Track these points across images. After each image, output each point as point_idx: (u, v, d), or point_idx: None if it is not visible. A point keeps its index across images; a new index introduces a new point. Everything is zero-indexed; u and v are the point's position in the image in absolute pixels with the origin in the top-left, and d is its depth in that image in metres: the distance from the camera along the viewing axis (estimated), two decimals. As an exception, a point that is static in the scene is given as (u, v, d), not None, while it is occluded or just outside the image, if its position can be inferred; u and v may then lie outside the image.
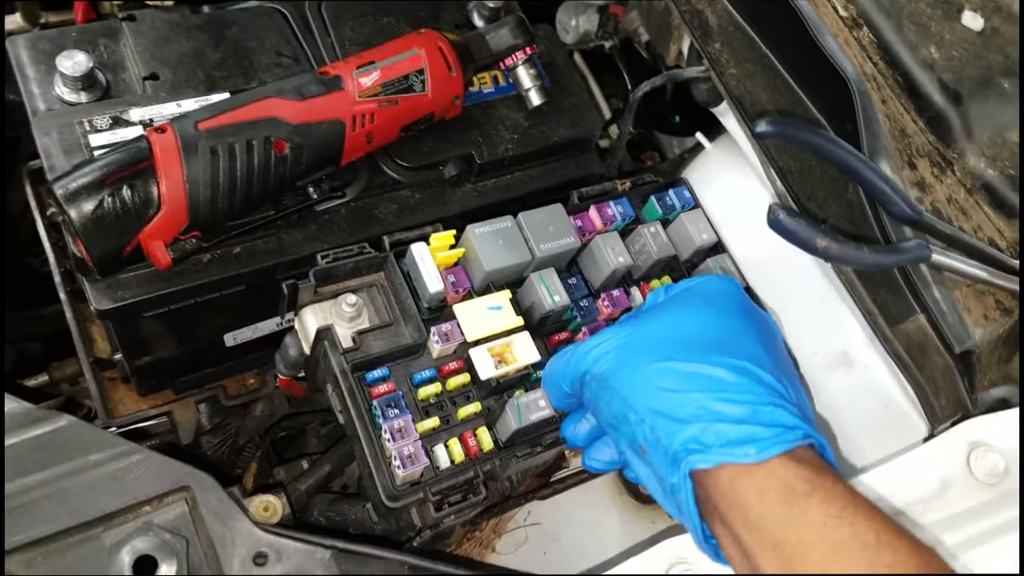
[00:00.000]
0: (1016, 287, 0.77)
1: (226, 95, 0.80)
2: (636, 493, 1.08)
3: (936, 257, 0.75)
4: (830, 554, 0.50)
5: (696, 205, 0.94)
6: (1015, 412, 0.76)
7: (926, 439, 0.82)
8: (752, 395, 0.57)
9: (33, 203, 0.91)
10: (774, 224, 0.65)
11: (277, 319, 0.91)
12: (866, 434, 0.90)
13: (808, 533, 0.51)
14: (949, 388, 0.79)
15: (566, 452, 0.97)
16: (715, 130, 1.08)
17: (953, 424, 0.79)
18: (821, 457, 0.58)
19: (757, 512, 0.53)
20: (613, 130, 1.28)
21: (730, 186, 0.98)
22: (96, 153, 0.74)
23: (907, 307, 0.79)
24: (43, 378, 1.03)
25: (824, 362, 0.91)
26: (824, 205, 0.84)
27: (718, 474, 0.55)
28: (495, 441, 0.74)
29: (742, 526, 0.54)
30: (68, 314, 0.89)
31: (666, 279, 0.89)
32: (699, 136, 1.10)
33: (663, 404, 0.58)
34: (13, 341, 1.12)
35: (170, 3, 0.87)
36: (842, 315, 0.86)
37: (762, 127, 0.69)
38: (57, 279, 0.88)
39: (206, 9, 0.88)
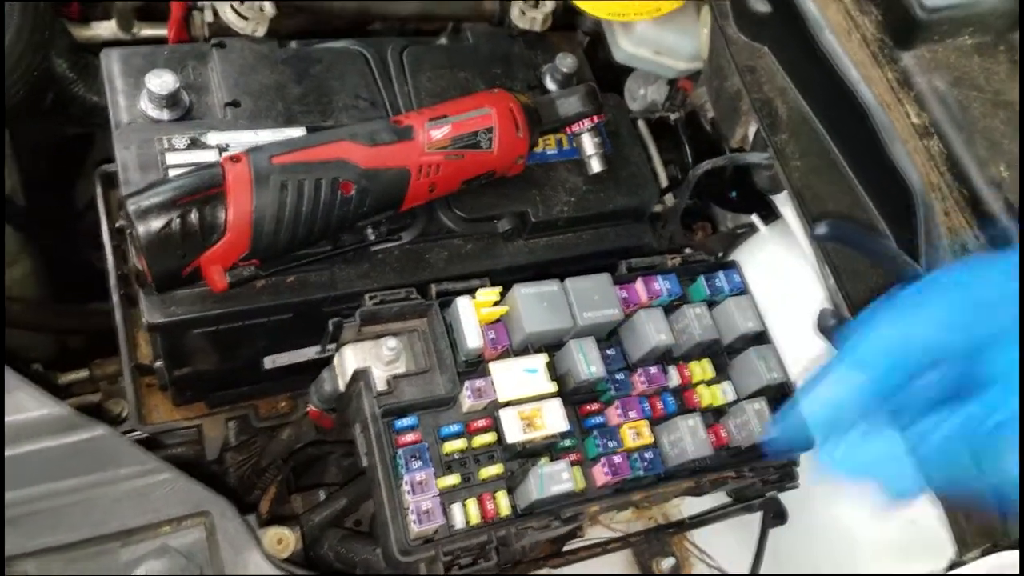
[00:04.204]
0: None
1: (302, 130, 0.83)
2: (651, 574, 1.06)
3: (984, 380, 0.73)
4: None
5: (745, 290, 0.93)
6: (1052, 551, 0.73)
7: (952, 565, 0.79)
8: None
9: (101, 205, 0.94)
10: (824, 330, 0.65)
11: (316, 347, 0.92)
12: (889, 548, 0.88)
13: None
14: (982, 515, 0.77)
15: (583, 524, 0.96)
16: (770, 212, 1.08)
17: (983, 554, 0.77)
18: None
19: None
20: (668, 197, 1.28)
21: (781, 275, 0.97)
22: (171, 171, 0.77)
23: (948, 424, 0.78)
24: (83, 373, 1.06)
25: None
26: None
27: None
28: (513, 507, 0.73)
29: None
30: (117, 317, 0.91)
31: (705, 362, 0.88)
32: (755, 218, 1.10)
33: None
34: (53, 331, 1.16)
35: (260, 34, 0.90)
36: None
37: (822, 230, 0.68)
38: (112, 282, 0.91)
39: (294, 44, 0.91)
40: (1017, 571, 0.73)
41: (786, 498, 0.95)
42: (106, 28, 1.13)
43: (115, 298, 0.91)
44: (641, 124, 1.31)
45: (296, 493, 1.00)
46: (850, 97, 0.82)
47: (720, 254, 1.12)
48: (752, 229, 1.12)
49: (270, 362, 0.92)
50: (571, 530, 0.97)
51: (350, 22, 1.13)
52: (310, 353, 0.93)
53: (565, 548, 0.97)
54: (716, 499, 0.98)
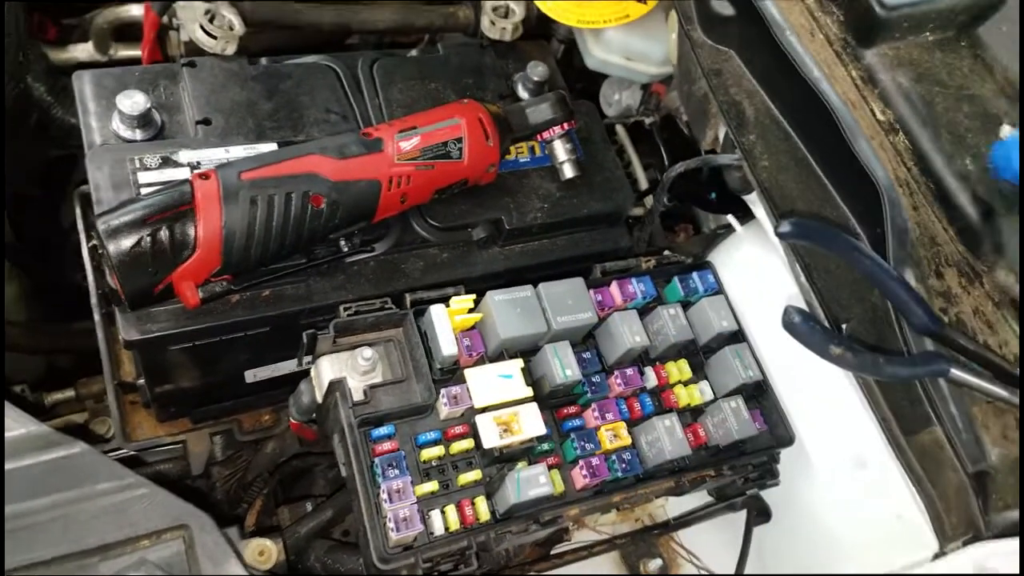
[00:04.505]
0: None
1: (274, 145, 0.84)
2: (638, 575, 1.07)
3: (955, 372, 0.74)
4: None
5: (719, 291, 0.94)
6: (1030, 539, 0.74)
7: (935, 556, 0.80)
8: None
9: (80, 225, 0.95)
10: (789, 327, 0.66)
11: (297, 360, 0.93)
12: (875, 542, 0.88)
13: None
14: (961, 506, 0.77)
15: (569, 526, 0.97)
16: (747, 212, 1.08)
17: (964, 544, 0.77)
18: None
19: None
20: (648, 200, 1.29)
21: (756, 274, 0.98)
22: (143, 190, 0.77)
23: (924, 417, 0.78)
24: (69, 393, 1.06)
25: (839, 462, 0.90)
26: (847, 305, 0.83)
27: None
28: (492, 512, 0.74)
29: None
30: (99, 335, 0.92)
31: (682, 362, 0.89)
32: (730, 218, 1.11)
33: None
34: (45, 352, 1.16)
35: (230, 53, 0.91)
36: (861, 416, 0.85)
37: (785, 228, 0.69)
38: (93, 300, 0.92)
39: (264, 61, 0.92)
40: (999, 560, 0.74)
41: (770, 497, 0.96)
42: (83, 50, 1.14)
43: (97, 317, 0.92)
44: (620, 129, 1.33)
45: (284, 505, 1.00)
46: (815, 96, 0.83)
47: (700, 254, 1.13)
48: (731, 229, 1.13)
49: (252, 376, 0.92)
50: (558, 533, 0.98)
51: (328, 36, 1.14)
52: (291, 366, 0.94)
53: (552, 552, 0.97)
54: (701, 499, 0.98)
